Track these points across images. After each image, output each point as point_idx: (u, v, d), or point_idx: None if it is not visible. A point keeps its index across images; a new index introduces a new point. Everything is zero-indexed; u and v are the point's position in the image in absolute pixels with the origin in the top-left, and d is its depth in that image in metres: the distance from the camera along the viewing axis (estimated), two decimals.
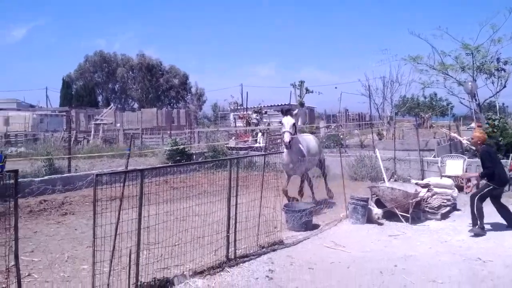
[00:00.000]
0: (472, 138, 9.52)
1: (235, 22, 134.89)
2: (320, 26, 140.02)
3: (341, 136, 22.06)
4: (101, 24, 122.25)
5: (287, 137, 9.58)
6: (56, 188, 12.91)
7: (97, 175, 5.43)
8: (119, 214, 5.67)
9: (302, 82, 27.71)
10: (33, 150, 22.27)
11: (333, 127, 27.55)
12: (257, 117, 28.61)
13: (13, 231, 4.74)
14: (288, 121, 9.78)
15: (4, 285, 4.76)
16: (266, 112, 31.34)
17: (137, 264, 5.67)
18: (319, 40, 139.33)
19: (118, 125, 35.74)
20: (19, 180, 4.90)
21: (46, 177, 13.41)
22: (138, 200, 5.69)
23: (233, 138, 22.73)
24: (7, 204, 4.84)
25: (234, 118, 34.65)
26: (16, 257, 4.74)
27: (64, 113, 46.73)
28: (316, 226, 9.08)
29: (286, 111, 10.09)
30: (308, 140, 11.03)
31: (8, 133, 33.59)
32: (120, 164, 19.15)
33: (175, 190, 9.88)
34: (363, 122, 32.54)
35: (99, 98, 71.87)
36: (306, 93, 27.61)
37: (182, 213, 6.78)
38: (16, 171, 4.89)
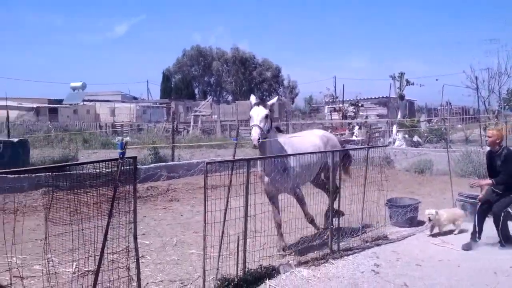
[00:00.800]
0: (489, 137, 7.56)
1: (326, 14, 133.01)
2: (419, 14, 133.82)
3: (445, 131, 20.95)
4: (197, 18, 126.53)
5: (255, 133, 6.52)
6: (161, 175, 13.55)
7: (207, 163, 5.59)
8: (227, 201, 5.84)
9: (402, 74, 26.62)
10: (137, 139, 23.59)
11: (435, 121, 26.24)
12: (354, 110, 28.03)
13: (132, 214, 5.05)
14: (258, 112, 6.75)
15: (125, 264, 5.07)
16: (362, 105, 30.63)
17: (245, 251, 5.80)
18: (418, 30, 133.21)
19: (215, 116, 36.83)
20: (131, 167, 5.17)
21: (152, 165, 14.16)
22: (245, 188, 5.81)
23: (329, 131, 22.45)
24: (127, 188, 5.16)
25: (330, 111, 34.24)
26: (135, 238, 5.04)
27: (165, 105, 49.14)
28: (421, 223, 8.71)
29: (259, 101, 6.96)
30: (302, 142, 7.72)
31: (114, 123, 35.92)
32: (218, 154, 19.74)
33: None
34: (467, 116, 30.66)
35: (196, 91, 74.48)
36: (407, 85, 26.51)
37: (281, 203, 6.85)
38: (135, 158, 5.18)
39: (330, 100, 37.09)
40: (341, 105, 31.77)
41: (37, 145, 20.66)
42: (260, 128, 6.58)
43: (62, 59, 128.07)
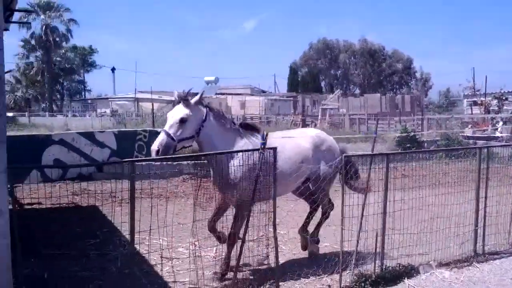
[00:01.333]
0: None
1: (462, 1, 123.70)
2: None
3: None
4: (323, 11, 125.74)
5: (156, 141, 5.06)
6: None
7: (345, 156, 5.51)
8: (365, 196, 5.71)
9: None
10: (266, 131, 24.14)
11: None
12: (498, 104, 25.77)
13: (272, 202, 5.16)
14: (173, 114, 5.27)
15: (265, 253, 5.22)
16: (507, 99, 28.03)
17: (382, 248, 5.64)
18: None
19: (343, 110, 36.41)
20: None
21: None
22: (384, 184, 5.64)
23: (469, 126, 21.01)
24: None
25: (470, 105, 31.91)
26: (274, 228, 5.16)
27: (291, 98, 49.74)
28: None
29: (179, 99, 5.33)
30: (282, 145, 5.78)
31: (245, 115, 37.23)
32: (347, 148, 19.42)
33: (405, 178, 9.63)
34: None
35: (322, 84, 74.27)
36: None
37: (418, 202, 6.51)
38: (275, 148, 5.30)
39: (470, 93, 34.52)
40: (483, 98, 29.39)
41: None
42: (167, 135, 5.10)
43: (197, 55, 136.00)
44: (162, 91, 46.46)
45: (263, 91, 58.46)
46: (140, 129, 14.40)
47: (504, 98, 27.10)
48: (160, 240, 6.06)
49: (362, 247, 5.85)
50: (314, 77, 69.37)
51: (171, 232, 5.30)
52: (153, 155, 5.02)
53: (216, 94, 49.60)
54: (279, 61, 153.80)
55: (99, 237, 6.95)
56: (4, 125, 3.76)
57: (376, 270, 5.51)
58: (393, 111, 37.67)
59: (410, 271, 5.69)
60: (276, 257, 5.09)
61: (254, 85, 59.69)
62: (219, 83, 53.55)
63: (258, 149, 5.16)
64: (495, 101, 26.21)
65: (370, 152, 5.98)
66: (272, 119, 31.87)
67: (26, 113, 45.71)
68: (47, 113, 50.00)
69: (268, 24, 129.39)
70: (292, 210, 9.35)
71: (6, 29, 7.77)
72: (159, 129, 13.83)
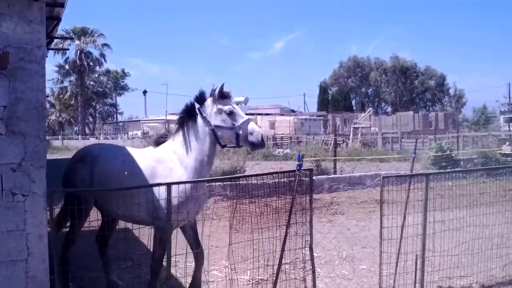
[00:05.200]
0: None
1: (496, 14, 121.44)
2: None
3: None
4: (353, 30, 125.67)
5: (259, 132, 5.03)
6: (323, 188, 13.56)
7: (383, 177, 5.40)
8: (404, 217, 5.57)
9: None
10: (297, 151, 24.02)
11: None
12: None
13: (308, 225, 5.08)
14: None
15: (300, 275, 5.12)
16: None
17: (422, 270, 5.46)
18: None
19: (374, 128, 35.97)
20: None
21: (314, 177, 14.23)
22: (423, 204, 5.49)
23: (507, 143, 20.32)
24: (302, 200, 5.22)
25: (507, 121, 31.05)
26: (311, 250, 5.07)
27: (322, 118, 49.51)
28: None
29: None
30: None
31: (275, 135, 37.21)
32: (380, 167, 19.14)
33: (442, 198, 9.37)
34: None
35: (353, 102, 73.76)
36: None
37: (457, 222, 6.29)
38: (311, 170, 5.24)
39: (507, 110, 33.65)
40: None
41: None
42: None
43: (227, 76, 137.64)
44: None
45: (293, 111, 58.41)
46: None
47: None
48: (194, 263, 6.06)
49: (401, 270, 5.69)
50: (344, 96, 68.98)
51: (205, 254, 5.28)
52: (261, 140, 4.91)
53: (246, 114, 49.79)
54: (309, 81, 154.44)
55: (133, 260, 6.97)
56: (45, 150, 3.84)
57: None
58: (426, 129, 37.01)
59: None
60: (313, 280, 4.99)
61: (283, 105, 59.72)
62: (249, 103, 53.77)
63: (294, 171, 5.10)
64: None
65: (408, 172, 5.83)
66: (302, 138, 31.73)
67: (60, 137, 46.79)
68: (79, 136, 51.18)
69: (298, 44, 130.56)
70: (327, 231, 9.21)
71: (45, 56, 8.00)
72: None
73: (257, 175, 5.10)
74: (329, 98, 69.38)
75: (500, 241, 6.40)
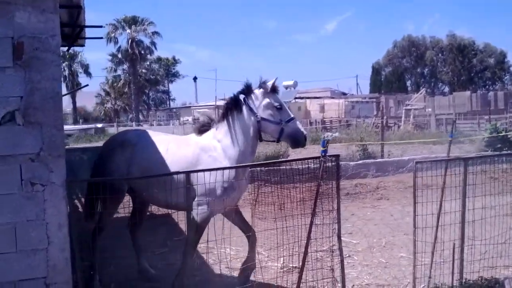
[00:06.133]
0: None
1: None
2: None
3: None
4: (408, 8, 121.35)
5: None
6: (369, 172, 13.21)
7: (417, 162, 5.11)
8: (440, 204, 5.27)
9: None
10: (346, 135, 23.55)
11: None
12: None
13: (335, 213, 4.89)
14: None
15: (329, 264, 4.95)
16: None
17: (461, 259, 5.17)
18: None
19: (429, 110, 34.69)
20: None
21: (360, 161, 13.91)
22: (462, 190, 5.17)
23: None
24: (330, 186, 5.04)
25: None
26: (339, 238, 4.88)
27: (374, 100, 48.32)
28: None
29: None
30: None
31: (324, 119, 36.71)
32: (432, 150, 18.45)
33: (495, 182, 8.83)
34: None
35: (408, 83, 71.53)
36: None
37: (507, 208, 5.89)
38: (337, 156, 5.02)
39: None
40: None
41: None
42: None
43: (277, 60, 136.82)
44: None
45: (344, 93, 57.31)
46: None
47: None
48: (228, 250, 6.03)
49: (439, 259, 5.41)
50: (398, 77, 67.01)
51: (239, 242, 5.22)
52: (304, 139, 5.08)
53: (295, 98, 49.39)
54: (362, 62, 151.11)
55: (167, 246, 7.03)
56: (62, 139, 3.86)
57: (455, 284, 5.04)
58: (484, 109, 35.26)
59: (493, 285, 5.14)
60: (342, 270, 4.81)
61: (334, 88, 58.74)
62: (298, 87, 53.24)
63: (319, 157, 4.91)
64: None
65: (445, 157, 5.49)
66: (352, 122, 31.10)
67: (115, 124, 48.28)
68: (134, 123, 52.56)
69: (350, 25, 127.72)
70: (369, 218, 8.97)
71: (82, 45, 8.14)
72: None
73: (274, 162, 4.95)
74: (382, 79, 67.59)
75: None
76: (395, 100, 47.22)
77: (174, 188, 4.52)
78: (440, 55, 70.51)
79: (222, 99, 49.82)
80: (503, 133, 15.49)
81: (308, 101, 48.69)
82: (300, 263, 4.93)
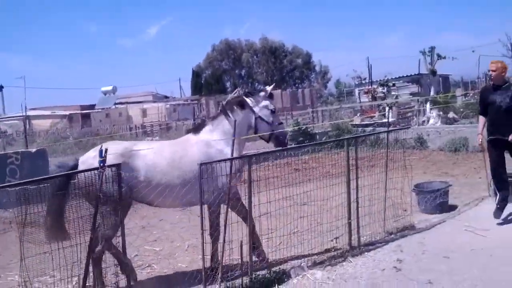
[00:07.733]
0: (493, 71, 6.72)
1: None
2: None
3: None
4: (225, 14, 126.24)
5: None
6: None
7: (201, 164, 5.10)
8: (228, 202, 5.38)
9: (432, 48, 25.39)
10: (167, 138, 23.45)
11: (471, 94, 24.94)
12: (383, 91, 26.88)
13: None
14: None
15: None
16: (394, 84, 29.41)
17: (250, 256, 5.36)
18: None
19: None
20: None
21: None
22: (247, 187, 5.37)
23: (358, 114, 21.60)
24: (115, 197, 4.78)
25: (359, 94, 33.19)
26: (124, 252, 4.67)
27: (196, 102, 49.13)
28: (453, 208, 8.01)
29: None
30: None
31: (144, 123, 36.09)
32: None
33: (298, 172, 9.48)
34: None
35: (227, 85, 74.28)
36: (438, 59, 25.23)
37: (301, 198, 6.27)
38: (118, 165, 4.82)
39: (359, 82, 35.97)
40: (369, 86, 30.69)
41: (68, 152, 20.90)
42: None
43: (94, 65, 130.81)
44: (56, 106, 44.03)
45: (166, 97, 57.18)
46: (11, 151, 13.07)
47: (390, 84, 28.33)
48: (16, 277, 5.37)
49: (230, 257, 5.52)
50: (217, 78, 69.11)
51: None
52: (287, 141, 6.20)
53: (115, 104, 47.76)
54: (185, 65, 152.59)
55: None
56: None
57: (245, 282, 5.19)
58: (294, 105, 38.34)
59: (281, 276, 5.41)
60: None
61: (156, 92, 58.21)
62: (118, 92, 51.53)
63: (97, 168, 4.61)
64: (380, 88, 27.34)
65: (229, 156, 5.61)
66: (172, 124, 31.10)
67: None
68: None
69: (172, 29, 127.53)
70: (177, 221, 8.89)
71: None
72: (33, 150, 12.80)
73: (45, 178, 4.51)
74: (203, 81, 69.10)
75: (336, 213, 6.41)
76: (215, 101, 48.57)
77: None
78: (255, 57, 74.63)
79: (33, 109, 45.88)
80: (304, 127, 16.91)
81: (129, 106, 47.41)
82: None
